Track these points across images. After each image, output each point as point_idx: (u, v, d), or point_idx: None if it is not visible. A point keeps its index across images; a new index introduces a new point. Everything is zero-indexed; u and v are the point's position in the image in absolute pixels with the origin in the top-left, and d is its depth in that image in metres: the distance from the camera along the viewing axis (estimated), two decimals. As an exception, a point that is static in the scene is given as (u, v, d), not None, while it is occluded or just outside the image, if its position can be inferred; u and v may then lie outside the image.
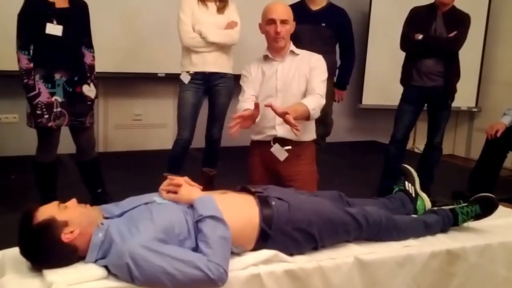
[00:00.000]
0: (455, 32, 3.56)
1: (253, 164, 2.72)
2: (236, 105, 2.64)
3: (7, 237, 1.71)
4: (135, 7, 4.68)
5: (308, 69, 2.62)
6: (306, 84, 2.60)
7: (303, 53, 2.69)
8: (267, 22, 2.57)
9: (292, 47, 2.67)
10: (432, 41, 3.58)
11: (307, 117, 2.49)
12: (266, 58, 2.67)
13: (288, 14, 2.61)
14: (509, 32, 5.44)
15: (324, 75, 2.65)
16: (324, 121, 3.80)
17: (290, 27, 2.62)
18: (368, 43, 5.44)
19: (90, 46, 3.11)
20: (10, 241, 1.69)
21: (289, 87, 2.60)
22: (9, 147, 4.47)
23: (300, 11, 3.66)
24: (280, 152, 2.59)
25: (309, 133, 2.71)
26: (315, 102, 2.52)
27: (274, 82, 2.62)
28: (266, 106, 2.32)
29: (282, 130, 2.58)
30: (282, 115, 2.27)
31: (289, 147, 2.59)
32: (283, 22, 2.56)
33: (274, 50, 2.63)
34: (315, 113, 2.52)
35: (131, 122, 5.08)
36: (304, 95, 2.59)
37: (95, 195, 3.21)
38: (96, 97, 3.15)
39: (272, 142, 2.62)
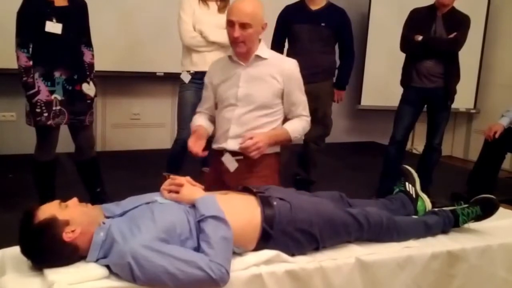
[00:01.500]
0: (455, 33, 3.57)
1: (208, 172, 2.53)
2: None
3: (6, 236, 1.71)
4: (134, 6, 4.67)
5: (279, 77, 2.29)
6: (272, 93, 2.30)
7: (272, 57, 2.34)
8: (227, 23, 2.24)
9: (259, 50, 2.29)
10: (432, 42, 3.59)
11: (287, 144, 2.39)
12: (231, 59, 2.34)
13: (252, 17, 2.19)
14: (507, 34, 5.46)
15: (303, 89, 2.39)
16: (323, 122, 3.80)
17: (255, 30, 2.22)
18: (367, 44, 5.45)
19: (89, 45, 3.11)
20: (9, 240, 1.69)
21: (251, 96, 2.29)
22: (7, 145, 4.46)
23: (299, 11, 3.66)
24: (230, 162, 2.32)
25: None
26: (301, 129, 2.36)
27: (235, 89, 2.30)
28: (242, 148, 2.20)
29: (233, 144, 2.30)
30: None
31: (241, 157, 2.30)
32: (243, 26, 2.18)
33: (235, 53, 2.31)
34: (298, 139, 2.38)
35: (129, 122, 5.07)
36: (268, 106, 2.31)
37: (94, 195, 3.20)
38: (96, 95, 3.15)
39: (224, 151, 2.35)
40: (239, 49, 2.25)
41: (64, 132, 3.13)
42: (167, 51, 4.41)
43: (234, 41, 2.23)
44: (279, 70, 2.30)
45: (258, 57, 2.30)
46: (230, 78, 2.32)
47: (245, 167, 2.31)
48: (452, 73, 3.65)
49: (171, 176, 1.88)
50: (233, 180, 2.29)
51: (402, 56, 3.81)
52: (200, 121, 2.43)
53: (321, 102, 3.73)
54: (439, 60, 3.60)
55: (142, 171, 4.05)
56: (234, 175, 2.32)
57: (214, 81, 2.38)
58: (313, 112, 3.70)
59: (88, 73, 3.08)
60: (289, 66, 2.33)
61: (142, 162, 4.51)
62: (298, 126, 2.36)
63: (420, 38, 3.57)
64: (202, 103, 2.50)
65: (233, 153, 2.32)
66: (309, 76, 3.63)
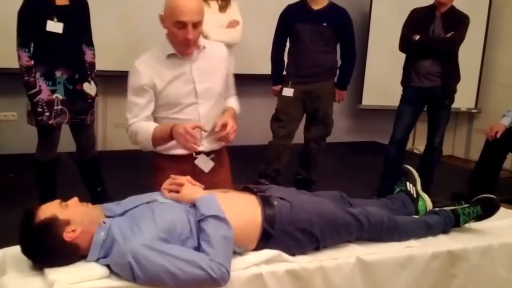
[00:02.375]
0: (452, 33, 3.57)
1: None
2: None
3: (6, 235, 1.70)
4: (134, 5, 4.67)
5: (224, 64, 2.26)
6: (223, 81, 2.27)
7: (208, 45, 2.24)
8: (175, 24, 2.04)
9: (200, 40, 2.18)
10: (429, 42, 3.59)
11: None
12: (171, 57, 2.15)
13: (201, 12, 2.07)
14: (509, 34, 5.45)
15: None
16: (324, 122, 3.80)
17: (202, 26, 2.13)
18: (368, 44, 5.45)
19: (90, 44, 3.11)
20: (10, 240, 1.68)
21: (210, 90, 2.20)
22: (8, 145, 4.46)
23: (301, 10, 3.65)
24: (205, 163, 2.22)
25: None
26: (239, 107, 2.37)
27: (191, 86, 2.16)
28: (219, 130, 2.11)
29: (207, 144, 2.24)
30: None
31: (213, 155, 2.25)
32: (196, 25, 2.05)
33: (184, 54, 2.16)
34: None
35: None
36: (222, 94, 2.29)
37: (95, 194, 3.20)
38: (97, 95, 3.15)
39: (194, 154, 2.18)
40: (190, 50, 2.12)
41: (65, 132, 3.13)
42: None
43: (186, 43, 2.07)
44: (221, 56, 2.26)
45: (199, 47, 2.20)
46: (180, 76, 2.15)
47: (216, 163, 2.28)
48: (450, 72, 3.64)
49: (172, 175, 1.88)
50: (209, 179, 2.18)
51: (403, 56, 3.81)
52: (151, 124, 2.15)
53: (322, 102, 3.74)
54: (437, 59, 3.60)
55: (143, 171, 4.02)
56: (209, 173, 2.23)
57: (159, 85, 2.13)
58: (315, 111, 3.75)
59: (89, 72, 3.08)
60: (225, 49, 2.30)
61: (144, 161, 4.49)
62: (237, 104, 2.38)
63: (417, 37, 3.57)
64: (136, 112, 2.15)
65: (207, 153, 2.24)
66: (311, 75, 3.66)
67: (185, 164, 2.18)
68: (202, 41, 2.21)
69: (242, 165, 2.92)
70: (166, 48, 2.14)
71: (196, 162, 2.21)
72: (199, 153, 2.19)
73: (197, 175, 2.11)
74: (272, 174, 3.71)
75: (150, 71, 2.12)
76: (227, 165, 2.40)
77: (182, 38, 2.06)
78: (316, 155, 3.87)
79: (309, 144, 3.85)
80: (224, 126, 2.11)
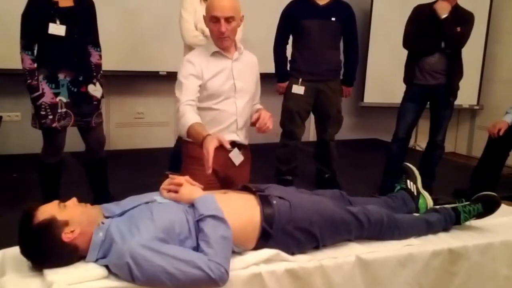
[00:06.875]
0: (459, 28, 3.54)
1: (200, 173, 2.11)
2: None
3: (8, 236, 1.71)
4: (136, 5, 4.69)
5: (255, 70, 2.49)
6: (256, 83, 2.50)
7: (245, 52, 2.47)
8: (210, 19, 2.28)
9: (238, 43, 2.44)
10: (445, 27, 3.54)
11: None
12: (215, 54, 2.36)
13: (234, 10, 2.28)
14: (510, 30, 5.42)
15: None
16: (337, 119, 3.82)
17: (237, 23, 2.30)
18: (369, 41, 5.43)
19: (96, 45, 3.06)
20: (10, 240, 1.69)
21: (246, 88, 2.41)
22: (12, 145, 4.49)
23: (307, 6, 3.60)
24: (237, 157, 2.40)
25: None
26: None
27: (231, 81, 2.36)
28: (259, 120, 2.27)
29: (243, 137, 2.44)
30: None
31: (242, 150, 2.44)
32: (228, 20, 2.25)
33: (221, 47, 2.37)
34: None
35: (133, 121, 5.09)
36: (253, 95, 2.49)
37: (98, 194, 3.20)
38: (103, 96, 3.09)
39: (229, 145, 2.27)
40: (226, 43, 2.32)
41: (68, 132, 3.12)
42: (170, 50, 4.41)
43: (220, 36, 2.29)
44: (254, 63, 2.49)
45: (239, 49, 2.42)
46: (221, 72, 2.35)
47: (244, 158, 2.44)
48: (454, 70, 3.62)
49: (170, 175, 1.88)
50: (236, 172, 2.39)
51: (405, 53, 3.79)
52: (194, 117, 2.22)
53: (334, 100, 3.75)
54: (441, 57, 3.58)
55: (146, 170, 4.05)
56: (238, 167, 2.40)
57: (206, 75, 2.32)
58: (328, 111, 3.72)
59: (94, 74, 3.03)
60: (256, 59, 2.50)
61: (146, 161, 4.52)
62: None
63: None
64: (190, 93, 2.27)
65: (238, 146, 2.40)
66: (323, 73, 3.65)
67: (219, 155, 2.16)
68: (242, 47, 2.44)
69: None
70: (211, 47, 2.37)
71: (230, 155, 2.38)
72: (233, 146, 2.35)
73: (228, 167, 2.35)
74: (294, 171, 3.80)
75: (200, 63, 2.33)
76: (249, 161, 2.53)
77: (217, 31, 2.28)
78: (335, 151, 3.89)
79: (328, 144, 3.84)
80: (258, 119, 2.31)
